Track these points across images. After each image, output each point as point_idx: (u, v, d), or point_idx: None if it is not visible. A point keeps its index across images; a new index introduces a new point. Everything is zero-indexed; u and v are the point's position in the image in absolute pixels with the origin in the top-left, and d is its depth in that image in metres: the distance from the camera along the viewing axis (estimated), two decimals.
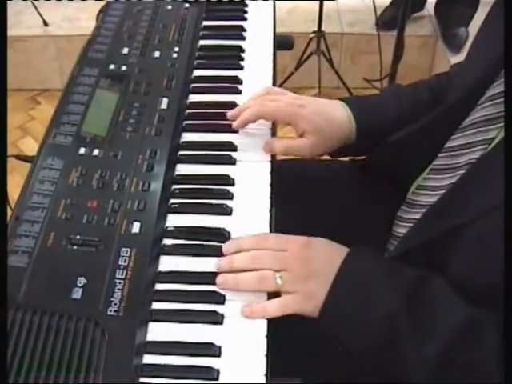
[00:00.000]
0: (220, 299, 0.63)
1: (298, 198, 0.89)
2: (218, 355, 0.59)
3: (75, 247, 0.64)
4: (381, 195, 0.87)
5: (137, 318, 0.59)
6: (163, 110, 0.82)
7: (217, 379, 0.57)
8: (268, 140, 0.81)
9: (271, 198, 0.74)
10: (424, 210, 0.71)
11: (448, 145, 0.74)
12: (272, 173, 0.77)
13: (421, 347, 0.60)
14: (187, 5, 1.02)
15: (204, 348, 0.59)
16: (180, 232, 0.70)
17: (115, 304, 0.60)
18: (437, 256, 0.66)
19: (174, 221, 0.71)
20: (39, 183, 0.70)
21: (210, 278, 0.65)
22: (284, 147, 0.80)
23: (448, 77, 0.89)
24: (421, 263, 0.65)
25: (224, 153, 0.79)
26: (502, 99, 0.65)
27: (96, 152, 0.75)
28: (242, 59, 0.96)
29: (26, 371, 0.55)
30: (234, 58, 0.96)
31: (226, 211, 0.72)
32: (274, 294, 0.65)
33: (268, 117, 0.81)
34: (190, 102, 0.88)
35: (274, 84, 0.91)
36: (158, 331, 0.61)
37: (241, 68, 0.94)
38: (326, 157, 0.90)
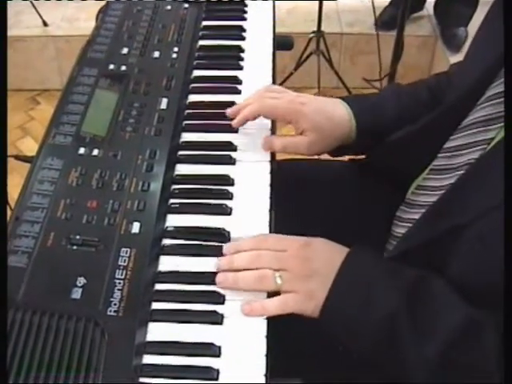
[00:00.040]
0: (220, 299, 0.63)
1: (298, 198, 0.89)
2: (218, 355, 0.59)
3: (75, 247, 0.65)
4: (380, 195, 0.87)
5: (136, 318, 0.59)
6: (163, 110, 0.82)
7: (216, 379, 0.57)
8: (267, 137, 0.81)
9: (271, 198, 0.74)
10: (423, 210, 0.71)
11: (447, 145, 0.74)
12: (272, 173, 0.77)
13: (421, 347, 0.60)
14: (187, 5, 1.02)
15: (204, 348, 0.59)
16: (180, 232, 0.70)
17: (115, 304, 0.60)
18: (436, 256, 0.66)
19: (173, 221, 0.71)
20: (39, 183, 0.70)
21: (209, 278, 0.65)
22: (283, 144, 0.80)
23: (447, 76, 0.89)
24: (420, 263, 0.65)
25: (224, 153, 0.79)
26: (502, 99, 0.65)
27: (96, 152, 0.75)
28: (242, 59, 0.96)
29: (26, 371, 0.55)
30: (233, 58, 0.96)
31: (226, 211, 0.72)
32: (273, 294, 0.65)
33: (268, 114, 0.81)
34: (190, 102, 0.88)
35: (274, 84, 0.91)
36: (157, 331, 0.61)
37: (240, 68, 0.94)
38: (326, 157, 0.90)
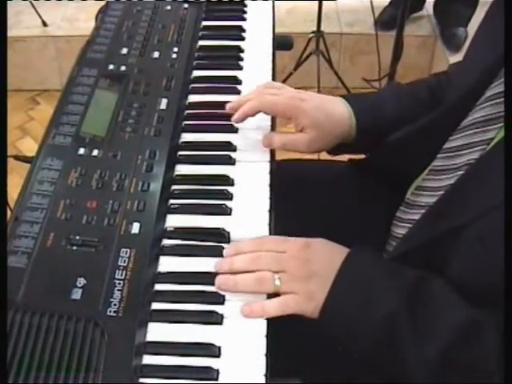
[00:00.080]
0: (219, 299, 0.63)
1: (298, 198, 0.89)
2: (218, 355, 0.59)
3: (75, 248, 0.64)
4: (380, 195, 0.87)
5: (136, 319, 0.59)
6: (162, 110, 0.82)
7: (216, 379, 0.57)
8: (267, 134, 0.81)
9: (271, 198, 0.74)
10: (423, 211, 0.71)
11: (447, 145, 0.74)
12: (271, 173, 0.77)
13: (421, 347, 0.60)
14: (186, 5, 1.02)
15: (203, 348, 0.59)
16: (179, 232, 0.70)
17: (115, 304, 0.60)
18: (436, 257, 0.66)
19: (173, 221, 0.71)
20: (38, 184, 0.70)
21: (209, 278, 0.65)
22: (283, 141, 0.80)
23: (447, 76, 0.89)
24: (420, 264, 0.65)
25: (223, 153, 0.79)
26: (501, 99, 0.65)
27: (95, 152, 0.75)
28: (242, 59, 0.96)
29: (26, 371, 0.55)
30: (233, 58, 0.96)
31: (226, 211, 0.72)
32: (274, 295, 0.65)
33: (268, 110, 0.81)
34: (190, 103, 0.88)
35: None
36: (157, 331, 0.61)
37: (240, 68, 0.94)
38: (326, 157, 0.90)
